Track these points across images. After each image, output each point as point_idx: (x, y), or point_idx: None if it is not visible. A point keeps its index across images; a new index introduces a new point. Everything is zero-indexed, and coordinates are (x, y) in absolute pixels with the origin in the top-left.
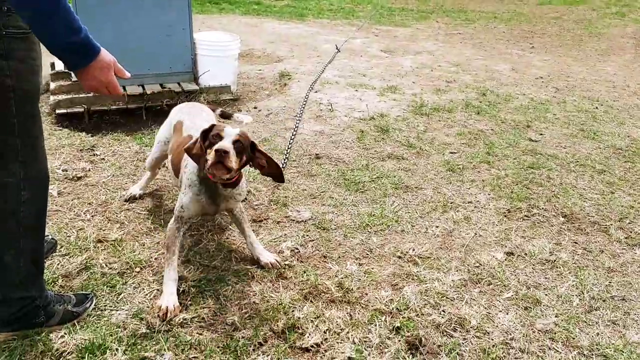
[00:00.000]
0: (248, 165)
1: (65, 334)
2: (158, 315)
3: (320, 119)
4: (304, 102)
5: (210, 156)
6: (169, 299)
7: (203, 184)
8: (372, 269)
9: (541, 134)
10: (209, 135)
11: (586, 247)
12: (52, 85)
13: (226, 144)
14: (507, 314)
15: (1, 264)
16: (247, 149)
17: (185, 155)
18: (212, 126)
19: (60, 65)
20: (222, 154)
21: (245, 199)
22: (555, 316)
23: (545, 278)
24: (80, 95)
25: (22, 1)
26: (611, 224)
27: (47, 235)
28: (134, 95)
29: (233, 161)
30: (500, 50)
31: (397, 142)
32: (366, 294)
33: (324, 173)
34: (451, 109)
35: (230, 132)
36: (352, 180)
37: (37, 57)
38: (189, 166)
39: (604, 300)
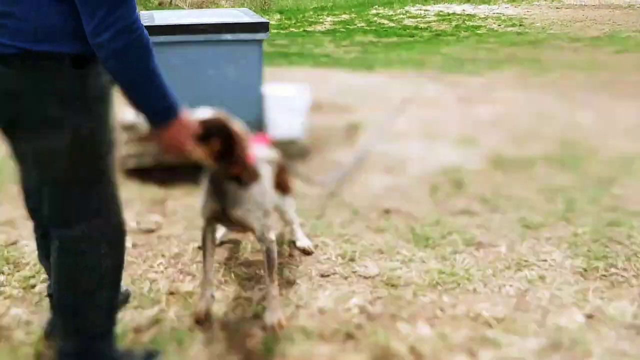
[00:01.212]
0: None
1: None
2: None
3: (391, 172)
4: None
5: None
6: (201, 301)
7: (210, 181)
8: (445, 331)
9: (626, 189)
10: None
11: None
12: (123, 137)
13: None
14: None
15: (80, 316)
16: (219, 135)
17: None
18: None
19: (129, 117)
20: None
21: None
22: None
23: (632, 344)
24: (152, 147)
25: (119, 72)
26: None
27: (122, 287)
28: None
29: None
30: (580, 100)
31: (471, 197)
32: (441, 359)
33: (393, 228)
34: (530, 162)
35: (201, 113)
36: (422, 236)
37: (113, 110)
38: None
39: None
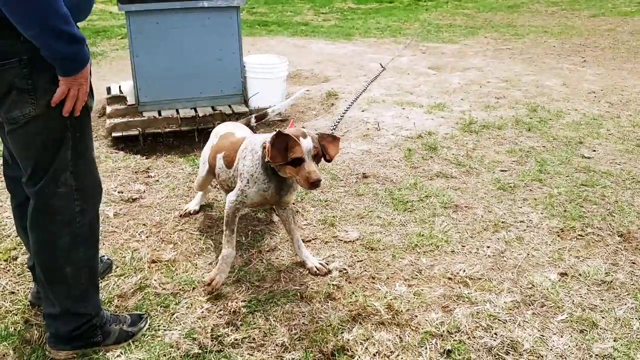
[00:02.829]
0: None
1: (121, 353)
2: (206, 287)
3: (367, 138)
4: (341, 118)
5: (302, 180)
6: (219, 273)
7: (272, 179)
8: (422, 290)
9: (594, 151)
10: (287, 148)
11: None
12: (108, 109)
13: (312, 168)
14: (562, 337)
15: (60, 275)
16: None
17: (242, 149)
18: (288, 135)
19: (115, 90)
20: (317, 184)
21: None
22: (614, 340)
23: (602, 300)
24: (136, 119)
25: (27, 22)
26: None
27: (103, 256)
28: (187, 117)
29: (318, 172)
30: (551, 65)
31: (446, 161)
32: (416, 316)
33: (372, 192)
34: (501, 125)
35: (307, 146)
36: (400, 200)
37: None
38: (247, 159)
39: None
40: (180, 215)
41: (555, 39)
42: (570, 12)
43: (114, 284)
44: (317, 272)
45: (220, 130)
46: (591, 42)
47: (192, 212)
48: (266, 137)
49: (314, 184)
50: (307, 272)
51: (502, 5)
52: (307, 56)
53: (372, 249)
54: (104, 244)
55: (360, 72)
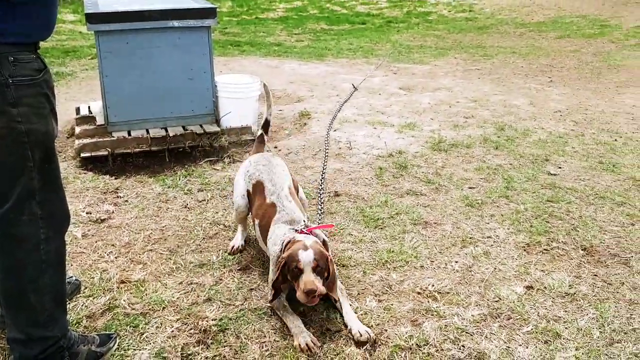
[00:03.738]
0: None
1: None
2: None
3: (339, 157)
4: (326, 142)
5: (300, 293)
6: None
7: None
8: (392, 305)
9: (560, 168)
10: (289, 268)
11: (606, 280)
12: (77, 130)
13: (310, 278)
14: (527, 347)
15: (25, 303)
16: (326, 265)
17: (272, 228)
18: (289, 256)
19: (84, 110)
20: (312, 294)
21: None
22: (576, 349)
23: (565, 311)
24: (105, 139)
25: None
26: (632, 256)
27: (71, 277)
28: (157, 137)
29: (319, 287)
30: (518, 85)
31: (416, 179)
32: (386, 330)
33: (343, 210)
34: (469, 144)
35: (307, 260)
36: (371, 217)
37: (46, 101)
38: (276, 246)
39: (625, 333)
40: (228, 253)
41: (523, 59)
42: (538, 33)
43: (82, 305)
44: (360, 338)
45: (257, 170)
46: (557, 62)
47: (239, 248)
48: (286, 232)
49: (307, 294)
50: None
51: (471, 27)
52: (280, 76)
53: (343, 266)
54: (72, 265)
55: (332, 92)
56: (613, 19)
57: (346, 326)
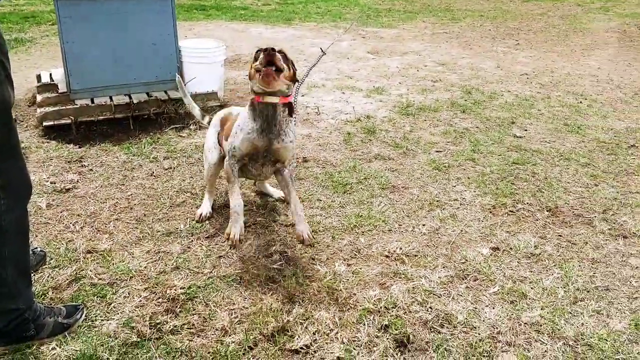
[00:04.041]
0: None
1: (56, 346)
2: (227, 242)
3: (307, 123)
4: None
5: (259, 60)
6: (234, 228)
7: (258, 117)
8: (360, 269)
9: (526, 130)
10: (255, 61)
11: (570, 240)
12: (39, 98)
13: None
14: (494, 308)
15: None
16: (290, 62)
17: (238, 119)
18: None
19: (46, 78)
20: (270, 52)
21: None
22: (541, 309)
23: (531, 271)
24: (67, 107)
25: None
26: (595, 216)
27: (36, 248)
28: (121, 104)
29: (282, 62)
30: (485, 48)
31: (384, 143)
32: (354, 294)
33: (312, 176)
34: (437, 108)
35: (268, 48)
36: (340, 182)
37: (0, 67)
38: (240, 117)
39: (588, 291)
40: (196, 221)
41: (490, 22)
42: None
43: (47, 276)
44: (303, 240)
45: (220, 114)
46: (524, 25)
47: (206, 215)
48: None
49: (264, 70)
50: (295, 237)
51: None
52: (246, 41)
53: (312, 231)
54: (36, 236)
55: (300, 57)
56: None
57: (293, 225)
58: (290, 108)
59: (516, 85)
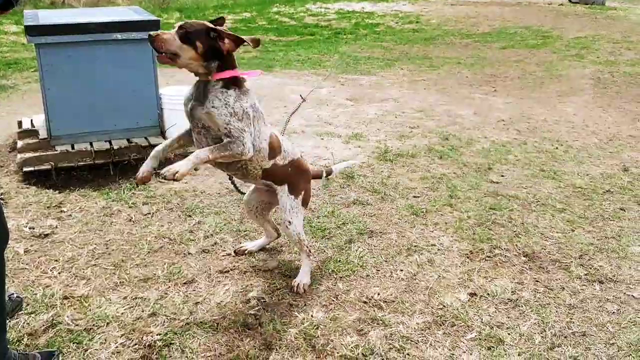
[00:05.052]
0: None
1: None
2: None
3: None
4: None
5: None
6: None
7: (195, 86)
8: (338, 315)
9: (502, 176)
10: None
11: (547, 285)
12: (20, 144)
13: (159, 32)
14: (471, 354)
15: None
16: (197, 35)
17: None
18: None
19: (27, 124)
20: (151, 38)
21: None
22: (518, 355)
23: (508, 317)
24: (48, 153)
25: None
26: (572, 262)
27: (13, 294)
28: (101, 150)
29: (171, 45)
30: (463, 95)
31: (362, 188)
32: (332, 341)
33: None
34: (414, 154)
35: (178, 23)
36: (318, 228)
37: None
38: None
39: (565, 337)
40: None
41: (468, 70)
42: (483, 44)
43: (24, 322)
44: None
45: None
46: (501, 72)
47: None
48: None
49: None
50: None
51: (418, 38)
52: None
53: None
54: (13, 282)
55: (280, 104)
56: (555, 30)
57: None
58: (226, 83)
59: (493, 131)
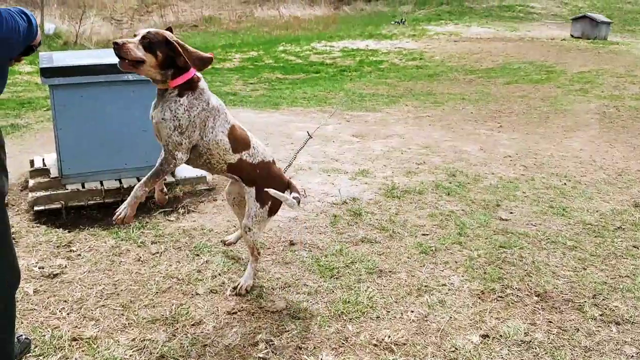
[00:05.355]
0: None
1: None
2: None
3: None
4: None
5: None
6: (124, 207)
7: (157, 98)
8: (349, 358)
9: (511, 213)
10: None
11: (561, 326)
12: (31, 182)
13: (125, 40)
14: None
15: None
16: (158, 45)
17: None
18: None
19: (38, 163)
20: (117, 46)
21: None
22: None
23: (522, 359)
24: (58, 192)
25: None
26: (585, 301)
27: (21, 335)
28: (111, 189)
29: (137, 52)
30: (468, 131)
31: (370, 226)
32: None
33: (299, 260)
34: (422, 190)
35: (141, 32)
36: (327, 267)
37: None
38: None
39: None
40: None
41: (472, 105)
42: (487, 79)
43: None
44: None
45: None
46: (506, 108)
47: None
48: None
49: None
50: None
51: (422, 75)
52: None
53: (298, 319)
54: (22, 323)
55: (287, 141)
56: (558, 64)
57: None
58: (180, 89)
59: (500, 167)
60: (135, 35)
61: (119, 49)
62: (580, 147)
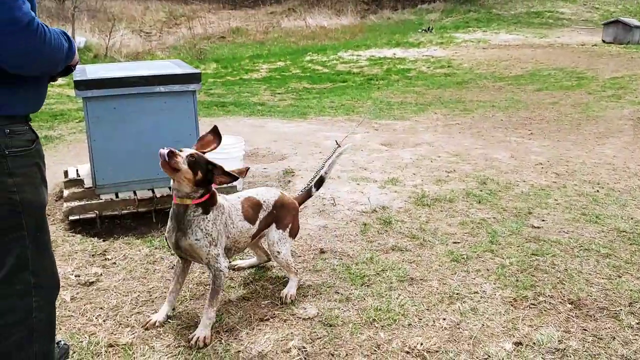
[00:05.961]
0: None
1: None
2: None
3: (323, 214)
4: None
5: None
6: (157, 315)
7: (173, 213)
8: None
9: (543, 220)
10: None
11: (596, 334)
12: (65, 193)
13: (176, 151)
14: None
15: None
16: (200, 165)
17: None
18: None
19: (72, 173)
20: (170, 153)
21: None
22: None
23: None
24: (92, 202)
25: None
26: (621, 309)
27: (60, 341)
28: (144, 199)
29: (180, 165)
30: (499, 138)
31: (400, 234)
32: None
33: (329, 268)
34: (452, 198)
35: (186, 150)
36: (357, 275)
37: (38, 171)
38: None
39: None
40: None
41: (502, 113)
42: (516, 86)
43: None
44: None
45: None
46: (537, 115)
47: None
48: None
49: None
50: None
51: (450, 82)
52: (263, 135)
53: (330, 325)
54: (60, 329)
55: (315, 150)
56: (589, 71)
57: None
58: (205, 207)
59: (531, 175)
60: (181, 151)
61: (169, 156)
62: (614, 153)
